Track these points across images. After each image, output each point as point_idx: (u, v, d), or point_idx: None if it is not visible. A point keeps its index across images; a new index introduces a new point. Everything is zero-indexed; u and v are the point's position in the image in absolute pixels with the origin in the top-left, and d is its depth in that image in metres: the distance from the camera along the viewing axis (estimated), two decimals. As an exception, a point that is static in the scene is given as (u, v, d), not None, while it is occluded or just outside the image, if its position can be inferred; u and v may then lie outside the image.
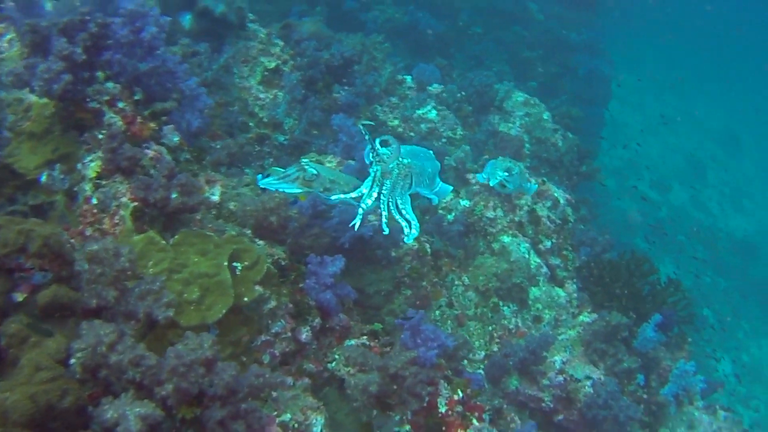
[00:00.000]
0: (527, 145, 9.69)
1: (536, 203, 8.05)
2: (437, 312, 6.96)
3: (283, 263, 4.83)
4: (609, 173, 19.50)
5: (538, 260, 7.73)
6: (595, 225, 9.51)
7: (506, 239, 7.70)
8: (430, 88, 9.83)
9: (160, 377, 3.44)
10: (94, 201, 4.71)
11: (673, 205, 20.46)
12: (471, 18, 15.58)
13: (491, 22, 15.59)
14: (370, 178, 5.26)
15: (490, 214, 7.84)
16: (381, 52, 9.65)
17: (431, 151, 6.46)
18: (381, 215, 5.18)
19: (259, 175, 5.05)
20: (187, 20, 8.25)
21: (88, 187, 4.77)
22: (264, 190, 5.15)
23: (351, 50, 8.62)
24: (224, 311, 4.11)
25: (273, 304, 4.52)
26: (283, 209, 4.92)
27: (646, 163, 20.05)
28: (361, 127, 4.93)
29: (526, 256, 7.62)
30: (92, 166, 4.80)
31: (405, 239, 4.92)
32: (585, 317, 7.43)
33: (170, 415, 3.70)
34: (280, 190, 5.04)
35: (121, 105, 5.12)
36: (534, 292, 7.51)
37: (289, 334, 4.58)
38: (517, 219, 7.89)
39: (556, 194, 8.21)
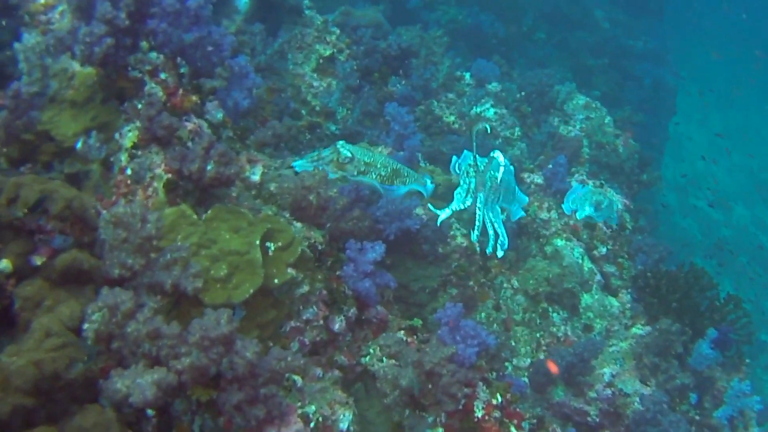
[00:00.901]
0: (586, 149, 9.31)
1: (593, 207, 7.69)
2: (483, 314, 6.64)
3: (320, 248, 4.58)
4: (671, 190, 18.94)
5: (592, 266, 7.36)
6: (654, 236, 9.07)
7: (560, 243, 7.35)
8: (488, 86, 9.52)
9: (179, 350, 3.23)
10: (129, 172, 4.56)
11: (736, 225, 19.71)
12: (535, 23, 15.41)
13: (556, 28, 15.33)
14: (463, 188, 5.31)
15: (544, 215, 7.50)
16: (440, 47, 9.38)
17: (508, 162, 6.36)
18: (475, 227, 5.31)
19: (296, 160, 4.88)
20: (243, 2, 8.11)
21: (123, 157, 4.62)
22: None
23: (409, 41, 8.38)
24: (252, 291, 3.88)
25: (306, 288, 4.27)
26: (323, 188, 4.67)
27: (708, 181, 19.39)
28: (475, 134, 4.90)
29: (580, 261, 7.26)
30: (129, 135, 4.65)
31: (497, 254, 4.98)
32: (638, 329, 7.03)
33: (186, 396, 3.50)
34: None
35: (163, 76, 4.95)
36: (586, 299, 7.13)
37: (321, 322, 4.33)
38: (572, 222, 7.54)
39: (614, 199, 7.83)
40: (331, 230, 4.81)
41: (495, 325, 6.62)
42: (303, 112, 8.00)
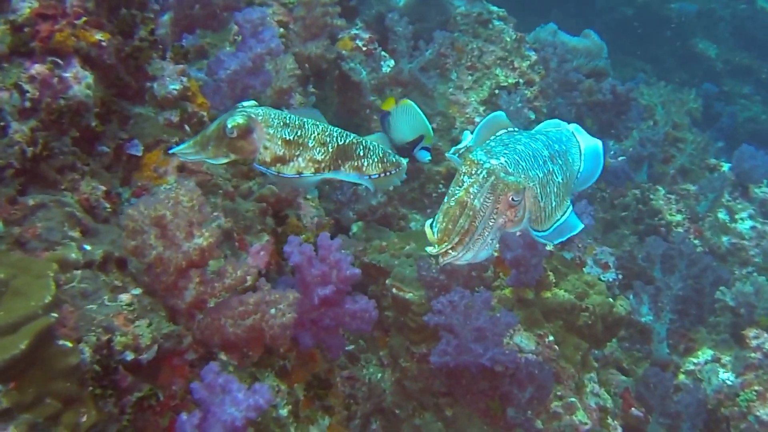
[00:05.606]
0: None
1: None
2: None
3: (128, 358, 2.09)
4: None
5: None
6: None
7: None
8: (754, 188, 6.35)
9: None
10: None
11: None
12: None
13: None
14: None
15: (764, 412, 4.28)
16: (686, 116, 6.36)
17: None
18: None
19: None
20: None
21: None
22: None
23: (628, 86, 5.58)
24: None
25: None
26: (193, 216, 2.19)
27: None
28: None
29: None
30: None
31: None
32: None
33: None
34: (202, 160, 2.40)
35: (67, -5, 2.84)
36: None
37: None
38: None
39: None
40: (203, 328, 2.32)
41: None
42: (446, 154, 5.55)
